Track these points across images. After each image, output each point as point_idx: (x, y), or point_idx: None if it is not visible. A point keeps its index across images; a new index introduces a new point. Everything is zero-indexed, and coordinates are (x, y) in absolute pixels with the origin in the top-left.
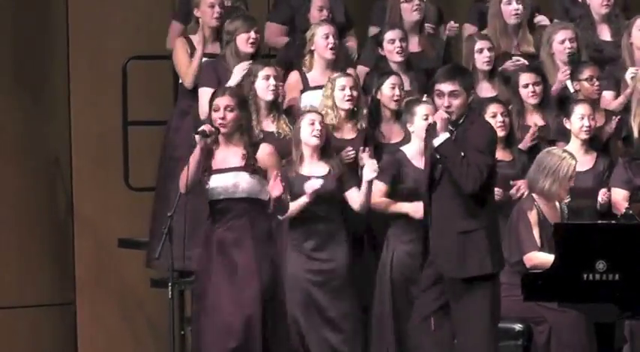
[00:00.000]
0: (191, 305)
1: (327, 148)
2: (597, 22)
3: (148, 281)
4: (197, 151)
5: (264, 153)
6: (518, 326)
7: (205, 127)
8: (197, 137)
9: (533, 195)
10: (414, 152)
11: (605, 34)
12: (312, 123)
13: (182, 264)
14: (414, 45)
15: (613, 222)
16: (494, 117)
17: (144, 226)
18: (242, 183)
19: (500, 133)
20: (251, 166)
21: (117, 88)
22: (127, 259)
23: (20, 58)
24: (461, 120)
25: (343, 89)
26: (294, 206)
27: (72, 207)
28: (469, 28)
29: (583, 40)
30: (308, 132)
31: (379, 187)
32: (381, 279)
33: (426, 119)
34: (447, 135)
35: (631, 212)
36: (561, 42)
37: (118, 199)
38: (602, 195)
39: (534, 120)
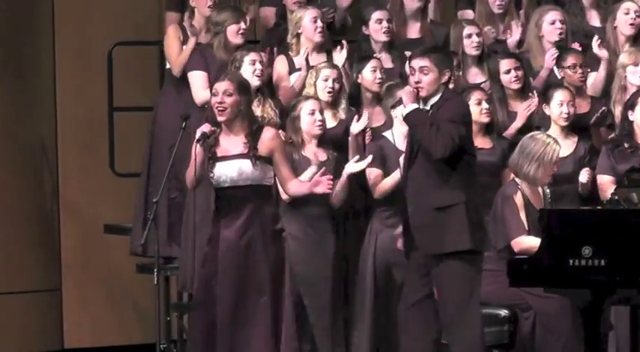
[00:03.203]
0: (177, 291)
1: (323, 134)
2: (586, 7)
3: (133, 266)
4: (200, 152)
5: (268, 137)
6: (504, 312)
7: (205, 129)
8: (198, 140)
9: (517, 179)
10: (396, 135)
11: (594, 19)
12: (312, 113)
13: (168, 251)
14: (415, 31)
15: (599, 207)
16: (478, 104)
17: (130, 212)
18: (246, 170)
19: (485, 119)
20: (253, 153)
21: (102, 73)
22: (113, 245)
23: (5, 44)
24: (436, 99)
25: (326, 80)
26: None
27: (58, 193)
28: (466, 15)
29: (571, 26)
30: (309, 122)
31: (375, 173)
32: (364, 265)
33: None
34: (414, 105)
35: (617, 198)
36: (552, 22)
37: (104, 185)
38: (585, 174)
39: (518, 107)
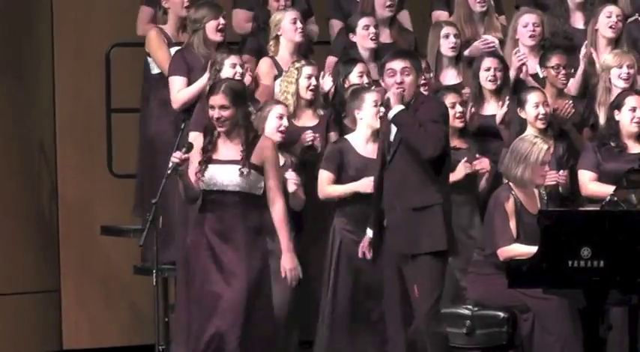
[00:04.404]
0: (175, 292)
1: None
2: (572, 9)
3: (132, 267)
4: (179, 180)
5: (263, 146)
6: (503, 314)
7: (175, 159)
8: (170, 173)
9: (510, 183)
10: (358, 140)
11: (578, 22)
12: (280, 117)
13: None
14: (386, 36)
15: (598, 208)
16: (452, 107)
17: (127, 213)
18: (236, 177)
19: (459, 124)
20: (247, 161)
21: (101, 74)
22: (111, 246)
23: (4, 45)
24: (412, 101)
25: (309, 78)
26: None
27: (56, 194)
28: (441, 16)
29: (552, 27)
30: (274, 126)
31: (326, 176)
32: (329, 269)
33: (376, 105)
34: (401, 107)
35: (615, 199)
36: (525, 25)
37: (102, 186)
38: (563, 177)
39: (491, 107)
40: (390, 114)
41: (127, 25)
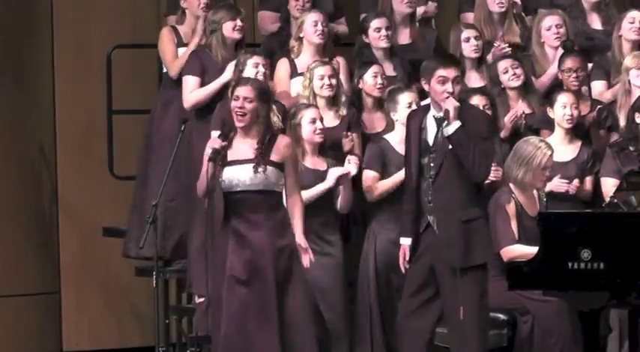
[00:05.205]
0: (176, 293)
1: (323, 143)
2: (587, 10)
3: (132, 269)
4: (211, 166)
5: (282, 144)
6: (503, 316)
7: (215, 144)
8: (210, 158)
9: (511, 185)
10: (397, 140)
11: (595, 22)
12: (314, 122)
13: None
14: (405, 36)
15: (598, 210)
16: None
17: (128, 215)
18: (258, 175)
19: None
20: (267, 159)
21: (101, 76)
22: (111, 247)
23: (5, 46)
24: None
25: (322, 78)
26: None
27: (56, 196)
28: (468, 17)
29: (572, 28)
30: (309, 131)
31: (372, 175)
32: (366, 268)
33: (410, 107)
34: (458, 123)
35: (615, 200)
36: (548, 28)
37: (103, 188)
38: (571, 187)
39: (521, 108)
40: (449, 131)
41: (128, 27)
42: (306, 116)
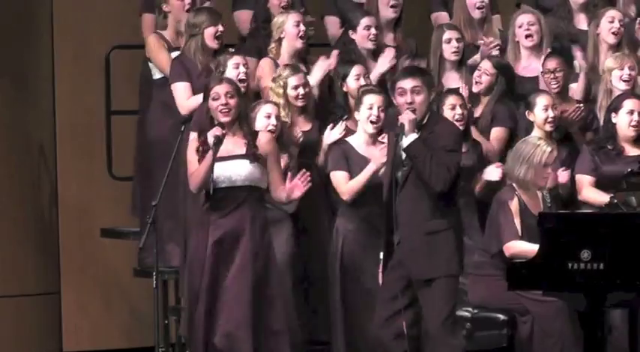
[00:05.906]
0: (175, 294)
1: (280, 140)
2: (575, 11)
3: (131, 270)
4: (210, 156)
5: (264, 140)
6: (502, 316)
7: (217, 132)
8: (214, 144)
9: (514, 185)
10: (359, 141)
11: (582, 23)
12: (268, 117)
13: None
14: (389, 40)
15: (598, 211)
16: (452, 109)
17: (127, 216)
18: (244, 170)
19: (460, 127)
20: (253, 154)
21: (100, 77)
22: (111, 248)
23: (4, 46)
24: (424, 121)
25: (296, 88)
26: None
27: (56, 196)
28: (440, 17)
29: (556, 29)
30: (262, 126)
31: (343, 175)
32: (333, 268)
33: (371, 109)
34: (415, 135)
35: (616, 201)
36: (520, 26)
37: (102, 189)
38: (563, 175)
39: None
40: (404, 144)
41: (127, 28)
42: (262, 110)
